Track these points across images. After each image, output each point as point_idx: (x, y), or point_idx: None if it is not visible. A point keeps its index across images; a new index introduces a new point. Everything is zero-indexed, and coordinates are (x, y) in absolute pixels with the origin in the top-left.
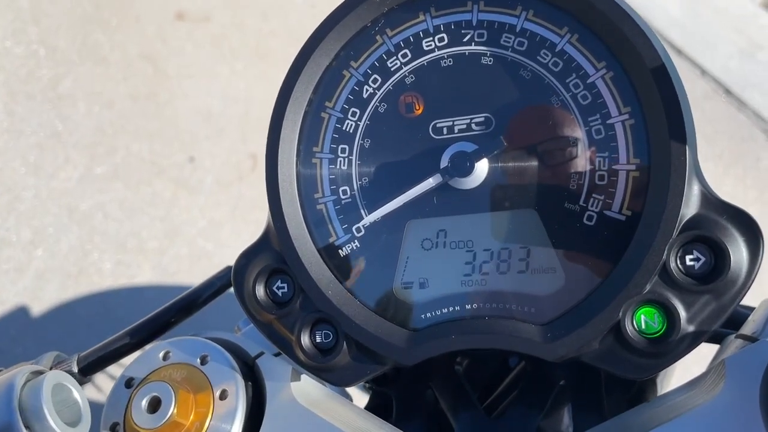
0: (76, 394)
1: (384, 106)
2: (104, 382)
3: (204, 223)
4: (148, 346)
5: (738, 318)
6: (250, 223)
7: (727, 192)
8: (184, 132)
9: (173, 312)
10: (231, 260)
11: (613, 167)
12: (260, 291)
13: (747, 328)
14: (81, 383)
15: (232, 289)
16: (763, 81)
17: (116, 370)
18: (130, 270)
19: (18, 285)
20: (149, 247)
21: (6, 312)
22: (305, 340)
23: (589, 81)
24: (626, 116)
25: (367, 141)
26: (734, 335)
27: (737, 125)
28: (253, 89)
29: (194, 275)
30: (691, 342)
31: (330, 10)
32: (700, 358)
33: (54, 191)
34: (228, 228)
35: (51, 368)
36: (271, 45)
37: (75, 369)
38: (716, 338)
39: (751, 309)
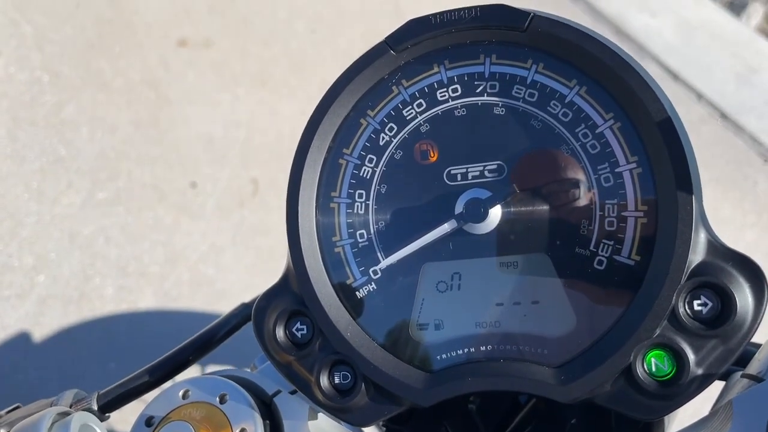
0: None
1: (400, 153)
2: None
3: (205, 248)
4: (166, 384)
5: (744, 355)
6: (251, 248)
7: (726, 216)
8: (186, 157)
9: (190, 350)
10: (232, 286)
11: (622, 214)
12: (280, 332)
13: (753, 368)
14: (101, 421)
15: (247, 326)
16: (760, 105)
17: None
18: (131, 295)
19: (20, 311)
20: (151, 272)
21: (7, 338)
22: (324, 381)
23: (597, 131)
24: (634, 165)
25: (384, 187)
26: (740, 374)
27: (734, 149)
28: (254, 115)
29: (196, 300)
30: (700, 384)
31: (331, 36)
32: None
33: (56, 217)
34: (229, 253)
35: (71, 405)
36: (272, 71)
37: (95, 407)
38: (722, 375)
39: (758, 346)
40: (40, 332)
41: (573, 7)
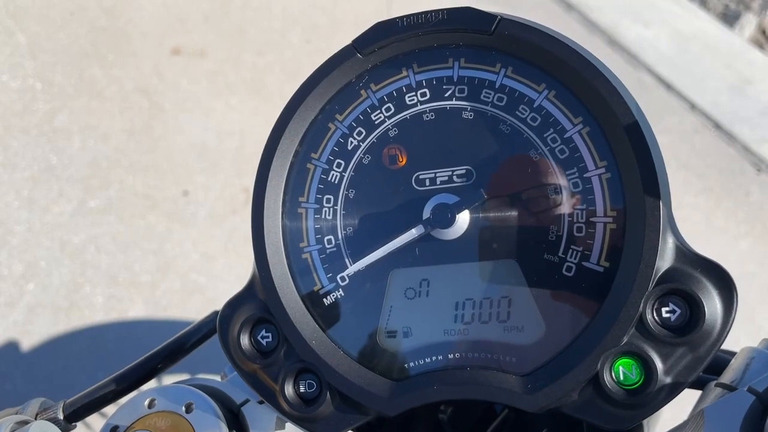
0: None
1: (368, 157)
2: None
3: (197, 256)
4: (133, 393)
5: (720, 364)
6: (243, 257)
7: (719, 226)
8: (178, 166)
9: (159, 358)
10: (223, 294)
11: (591, 219)
12: (245, 340)
13: (726, 377)
14: (67, 430)
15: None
16: (753, 115)
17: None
18: (122, 304)
19: (8, 319)
20: (142, 281)
21: None
22: (289, 389)
23: (566, 135)
24: (602, 170)
25: (352, 191)
26: (714, 383)
27: (727, 159)
28: (247, 124)
29: (186, 309)
30: (668, 393)
31: (325, 46)
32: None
33: (47, 225)
34: (221, 261)
35: (36, 415)
36: (266, 80)
37: (60, 416)
38: (698, 384)
39: (734, 355)
40: (28, 341)
41: (567, 18)
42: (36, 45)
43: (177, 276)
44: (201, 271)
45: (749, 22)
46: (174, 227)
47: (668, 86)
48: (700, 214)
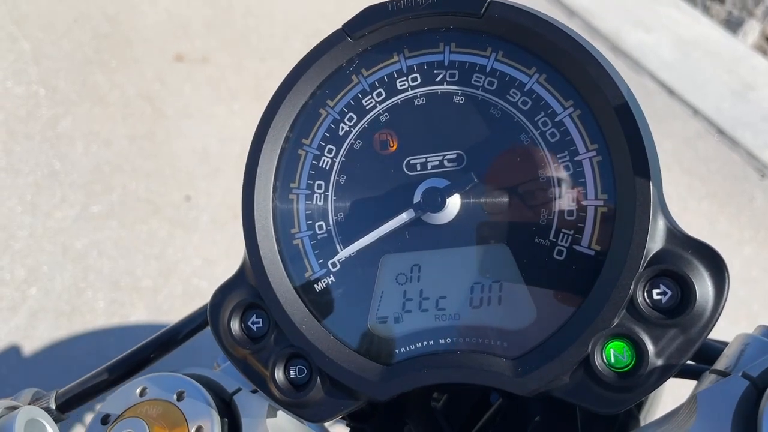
0: (50, 431)
1: (359, 143)
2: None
3: (199, 261)
4: (126, 382)
5: (715, 353)
6: None
7: (723, 231)
8: (180, 171)
9: (153, 348)
10: None
11: (582, 203)
12: (235, 326)
13: (721, 363)
14: (59, 420)
15: None
16: (756, 121)
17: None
18: (123, 309)
19: (10, 324)
20: (143, 286)
21: None
22: (279, 375)
23: (557, 119)
24: (593, 153)
25: (343, 177)
26: (708, 370)
27: (731, 164)
28: (250, 129)
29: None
30: (660, 376)
31: None
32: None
33: (49, 230)
34: (223, 266)
35: (29, 405)
36: (268, 86)
37: (53, 405)
38: (694, 374)
39: (727, 344)
40: (30, 345)
41: (569, 24)
42: (40, 51)
43: (179, 281)
44: (203, 276)
45: (752, 29)
46: (176, 232)
47: (671, 92)
48: (703, 219)
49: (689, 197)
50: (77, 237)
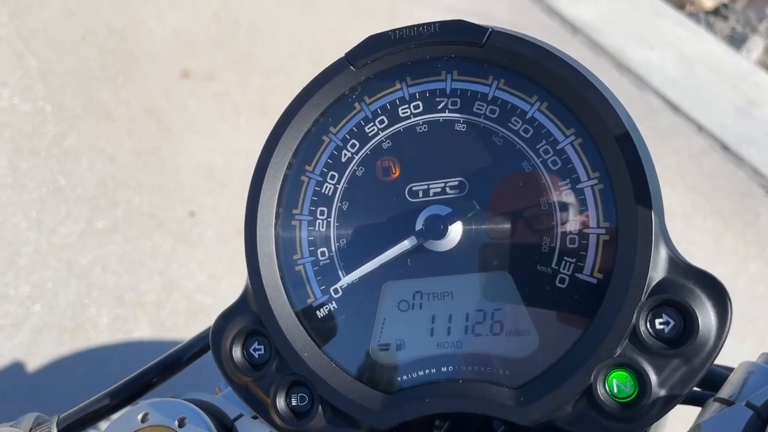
0: None
1: (362, 169)
2: None
3: (203, 277)
4: (128, 407)
5: (720, 380)
6: None
7: (728, 248)
8: (185, 186)
9: (155, 372)
10: None
11: (584, 231)
12: (237, 353)
13: (725, 391)
14: None
15: None
16: (760, 137)
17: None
18: (127, 324)
19: (14, 340)
20: (147, 301)
21: (1, 367)
22: (281, 403)
23: (558, 147)
24: (595, 181)
25: (345, 203)
26: (713, 398)
27: (736, 181)
28: (254, 145)
29: (191, 330)
30: (663, 406)
31: None
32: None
33: (54, 246)
34: (226, 282)
35: (30, 429)
36: (273, 102)
37: (54, 430)
38: (698, 401)
39: (731, 370)
40: (33, 362)
41: (573, 41)
42: (47, 68)
43: (182, 296)
44: (207, 291)
45: (756, 45)
46: (180, 248)
47: (675, 108)
48: (708, 236)
49: (694, 214)
50: (82, 252)
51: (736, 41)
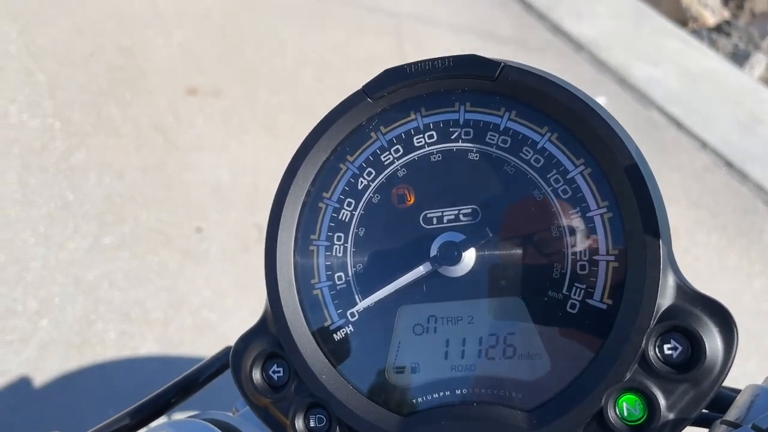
0: None
1: (378, 197)
2: None
3: (209, 293)
4: (148, 427)
5: (728, 402)
6: (254, 293)
7: (733, 264)
8: (192, 202)
9: (173, 393)
10: (234, 331)
11: (594, 258)
12: (257, 375)
13: (731, 414)
14: None
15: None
16: (764, 153)
17: None
18: (133, 340)
19: (21, 355)
20: (153, 318)
21: (8, 382)
22: (299, 424)
23: (568, 176)
24: (604, 210)
25: (362, 230)
26: (719, 421)
27: (740, 197)
28: (261, 161)
29: (197, 346)
30: (671, 429)
31: (337, 85)
32: None
33: (62, 261)
34: (232, 298)
35: None
36: (279, 118)
37: None
38: (705, 423)
39: (738, 392)
40: (40, 377)
41: (577, 57)
42: (55, 84)
43: (188, 312)
44: (212, 307)
45: (759, 62)
46: (186, 264)
47: (679, 125)
48: (713, 253)
49: (698, 231)
50: (89, 268)
51: (739, 58)
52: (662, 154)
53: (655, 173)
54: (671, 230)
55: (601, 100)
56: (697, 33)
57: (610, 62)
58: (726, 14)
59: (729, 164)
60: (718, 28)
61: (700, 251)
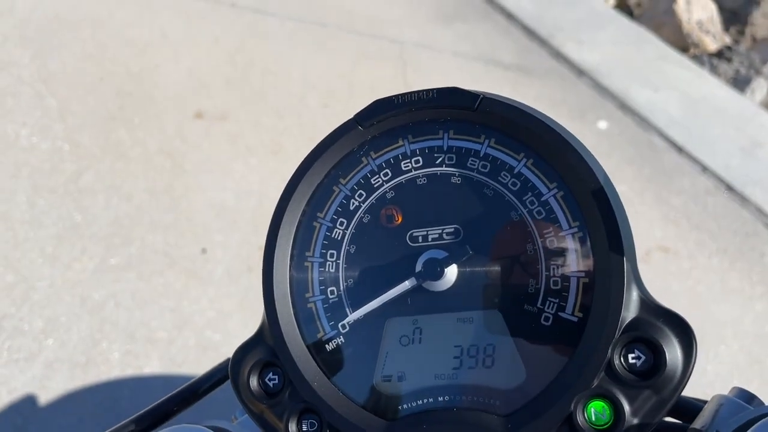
0: None
1: (368, 217)
2: None
3: (213, 313)
4: None
5: (697, 412)
6: (257, 314)
7: (734, 287)
8: (197, 224)
9: (175, 402)
10: None
11: (565, 274)
12: (254, 382)
13: (698, 422)
14: None
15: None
16: (765, 177)
17: None
18: (138, 360)
19: (27, 374)
20: (158, 338)
21: (13, 401)
22: (293, 427)
23: (542, 199)
24: (575, 229)
25: (353, 247)
26: (688, 429)
27: (741, 221)
28: (266, 184)
29: (201, 366)
30: None
31: (342, 110)
32: None
33: (68, 281)
34: (236, 319)
35: None
36: (284, 142)
37: None
38: (675, 431)
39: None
40: (45, 396)
41: (578, 82)
42: (66, 108)
43: (192, 333)
44: (216, 328)
45: (760, 87)
46: (191, 284)
47: (679, 149)
48: (714, 276)
49: (699, 253)
50: (95, 288)
51: (740, 83)
52: (664, 177)
53: (656, 196)
54: (673, 252)
55: (602, 125)
56: (698, 59)
57: (612, 87)
58: (727, 40)
59: (730, 188)
60: (719, 54)
61: (701, 274)
